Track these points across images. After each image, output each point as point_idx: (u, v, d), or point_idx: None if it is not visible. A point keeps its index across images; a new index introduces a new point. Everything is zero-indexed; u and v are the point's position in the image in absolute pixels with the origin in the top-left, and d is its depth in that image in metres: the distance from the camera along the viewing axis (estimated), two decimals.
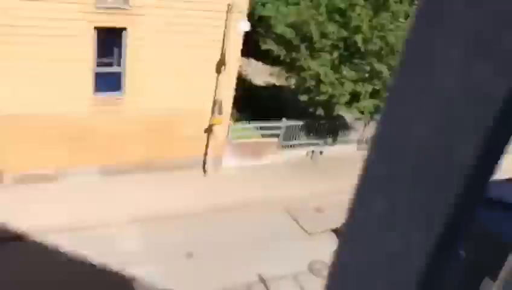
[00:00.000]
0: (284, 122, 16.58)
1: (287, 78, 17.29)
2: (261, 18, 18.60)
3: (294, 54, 15.84)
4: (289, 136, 16.96)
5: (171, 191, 14.28)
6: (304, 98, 16.03)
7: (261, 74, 21.39)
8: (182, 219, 13.45)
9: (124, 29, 12.59)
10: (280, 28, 16.03)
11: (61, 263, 11.85)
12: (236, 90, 15.03)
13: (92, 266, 11.83)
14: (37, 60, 12.12)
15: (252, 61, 21.74)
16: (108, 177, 14.37)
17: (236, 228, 13.41)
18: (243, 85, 17.03)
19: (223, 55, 13.91)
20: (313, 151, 17.26)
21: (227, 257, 12.43)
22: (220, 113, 14.54)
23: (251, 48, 17.16)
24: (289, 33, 15.75)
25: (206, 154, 15.36)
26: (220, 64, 14.02)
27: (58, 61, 12.31)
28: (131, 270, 11.78)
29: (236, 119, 16.74)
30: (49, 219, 12.57)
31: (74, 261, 11.95)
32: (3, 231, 12.02)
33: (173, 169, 14.89)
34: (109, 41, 12.88)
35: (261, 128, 16.47)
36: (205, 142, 15.17)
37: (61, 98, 12.87)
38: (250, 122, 16.46)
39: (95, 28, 12.27)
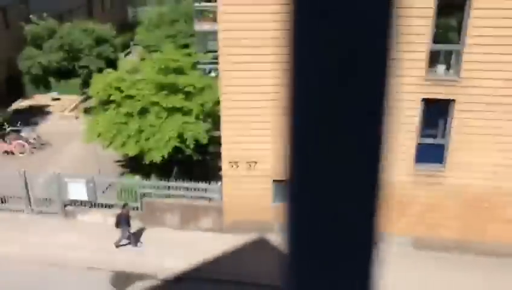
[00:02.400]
0: None
1: None
2: None
3: None
4: None
5: (494, 280, 13.44)
6: None
7: None
8: None
9: (452, 100, 12.81)
10: None
11: None
12: None
13: None
14: None
15: None
16: (422, 251, 14.39)
17: None
18: None
19: None
20: None
21: None
22: None
23: None
24: None
25: None
26: None
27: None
28: None
29: None
30: None
31: None
32: None
33: (494, 255, 14.19)
34: (434, 112, 13.24)
35: None
36: None
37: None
38: None
39: (423, 99, 12.80)
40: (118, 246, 14.74)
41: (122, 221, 14.45)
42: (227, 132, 14.14)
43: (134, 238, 14.93)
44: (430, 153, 13.59)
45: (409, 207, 14.12)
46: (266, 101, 13.55)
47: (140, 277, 13.63)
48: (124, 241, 14.81)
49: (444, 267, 13.92)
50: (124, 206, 14.61)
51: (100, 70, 23.88)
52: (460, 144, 13.22)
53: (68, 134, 22.94)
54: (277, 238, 15.01)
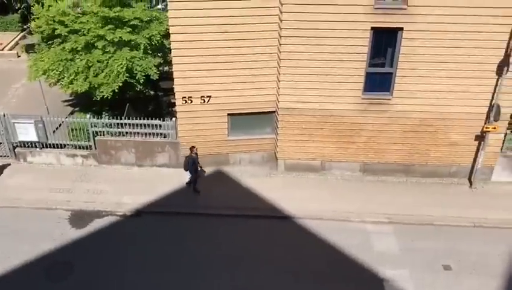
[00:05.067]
0: None
1: None
2: None
3: None
4: None
5: (430, 198, 14.46)
6: None
7: None
8: (441, 228, 13.42)
9: (400, 29, 12.91)
10: None
11: (318, 249, 12.67)
12: None
13: (345, 257, 12.37)
14: (318, 59, 13.25)
15: None
16: (369, 176, 15.26)
17: (503, 247, 12.81)
18: None
19: (507, 55, 13.04)
20: None
21: (490, 277, 11.91)
22: (496, 119, 13.73)
23: None
24: None
25: (474, 164, 14.91)
26: (502, 66, 13.17)
27: (335, 61, 13.24)
28: (383, 269, 11.99)
29: None
30: (312, 206, 14.00)
31: (329, 248, 12.66)
32: (275, 210, 13.98)
33: (435, 176, 15.14)
34: (382, 41, 13.33)
35: None
36: (474, 151, 14.79)
37: (334, 95, 13.81)
38: None
39: (372, 28, 12.86)
40: (196, 191, 14.64)
41: (190, 163, 14.20)
42: (178, 66, 13.90)
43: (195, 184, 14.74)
44: (378, 82, 13.92)
45: (358, 134, 14.67)
46: (218, 33, 13.31)
47: (99, 214, 13.75)
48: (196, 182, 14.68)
49: (389, 188, 14.84)
50: (191, 149, 14.24)
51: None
52: (407, 72, 13.58)
53: (10, 73, 21.86)
54: (232, 170, 15.36)
